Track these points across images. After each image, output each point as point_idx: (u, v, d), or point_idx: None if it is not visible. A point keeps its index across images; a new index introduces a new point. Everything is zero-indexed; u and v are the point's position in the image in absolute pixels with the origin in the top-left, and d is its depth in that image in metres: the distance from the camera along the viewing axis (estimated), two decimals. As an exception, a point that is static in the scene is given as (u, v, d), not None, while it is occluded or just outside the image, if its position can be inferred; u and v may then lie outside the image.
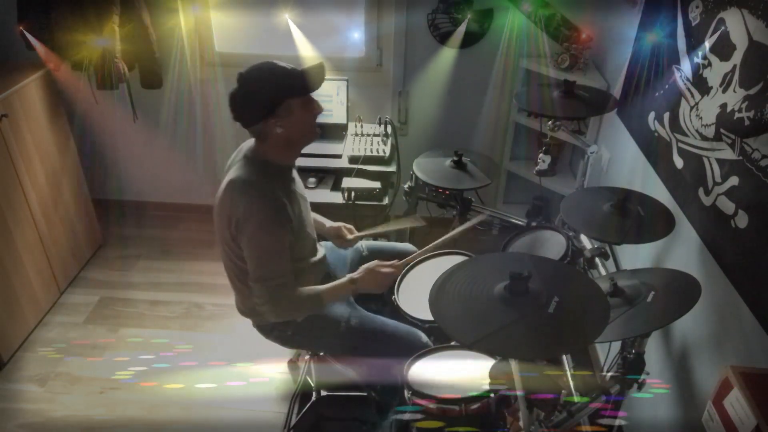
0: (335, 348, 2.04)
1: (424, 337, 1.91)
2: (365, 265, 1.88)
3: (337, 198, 2.56)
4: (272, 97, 1.68)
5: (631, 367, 1.48)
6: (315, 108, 1.77)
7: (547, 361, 1.48)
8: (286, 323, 1.90)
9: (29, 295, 2.69)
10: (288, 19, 2.89)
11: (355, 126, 2.87)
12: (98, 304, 2.93)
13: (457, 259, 1.99)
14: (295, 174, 1.89)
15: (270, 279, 1.71)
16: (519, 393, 1.36)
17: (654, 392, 1.51)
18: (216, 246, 1.88)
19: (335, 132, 2.88)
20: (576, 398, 1.52)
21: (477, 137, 3.16)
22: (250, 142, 1.83)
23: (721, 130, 1.58)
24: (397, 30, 2.91)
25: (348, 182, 2.57)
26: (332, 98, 2.85)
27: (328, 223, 2.15)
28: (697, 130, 1.72)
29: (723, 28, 1.61)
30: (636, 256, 2.14)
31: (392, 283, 1.91)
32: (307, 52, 2.96)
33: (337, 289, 1.84)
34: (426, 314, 1.82)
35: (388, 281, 1.88)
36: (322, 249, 2.04)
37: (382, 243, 2.37)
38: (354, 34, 3.03)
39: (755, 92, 1.43)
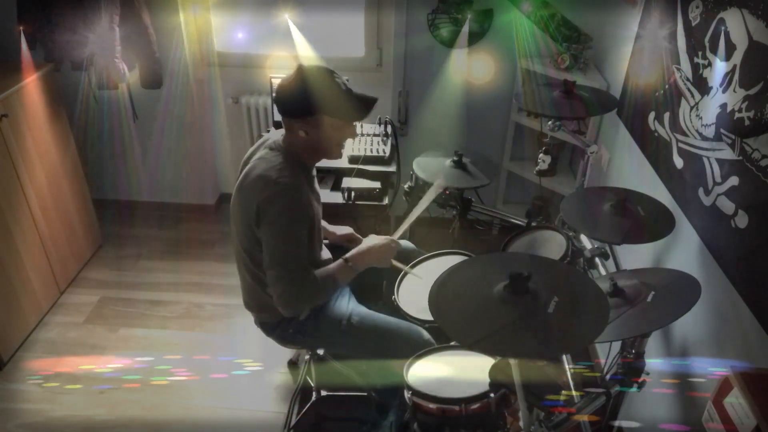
0: (336, 346, 2.04)
1: (425, 335, 1.90)
2: (359, 245, 1.88)
3: (337, 198, 2.56)
4: (308, 105, 1.67)
5: (631, 367, 1.48)
6: (347, 133, 1.79)
7: (547, 361, 1.48)
8: (288, 321, 1.90)
9: (29, 295, 2.69)
10: (288, 19, 2.89)
11: (355, 126, 2.86)
12: (98, 304, 2.93)
13: (457, 259, 1.99)
14: (314, 172, 1.91)
15: (285, 264, 1.70)
16: (519, 393, 1.36)
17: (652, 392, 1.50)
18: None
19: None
20: (575, 397, 1.52)
21: (477, 137, 3.16)
22: (275, 134, 1.84)
23: (721, 130, 1.58)
24: (397, 30, 2.91)
25: (348, 182, 2.57)
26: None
27: (339, 230, 2.14)
28: (697, 130, 1.72)
29: (723, 28, 1.60)
30: (636, 256, 2.14)
31: (392, 254, 1.90)
32: (306, 52, 2.96)
33: (340, 271, 1.81)
34: (426, 314, 1.82)
35: (386, 252, 1.87)
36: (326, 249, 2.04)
37: None
38: (354, 34, 3.03)
39: (755, 92, 1.43)
